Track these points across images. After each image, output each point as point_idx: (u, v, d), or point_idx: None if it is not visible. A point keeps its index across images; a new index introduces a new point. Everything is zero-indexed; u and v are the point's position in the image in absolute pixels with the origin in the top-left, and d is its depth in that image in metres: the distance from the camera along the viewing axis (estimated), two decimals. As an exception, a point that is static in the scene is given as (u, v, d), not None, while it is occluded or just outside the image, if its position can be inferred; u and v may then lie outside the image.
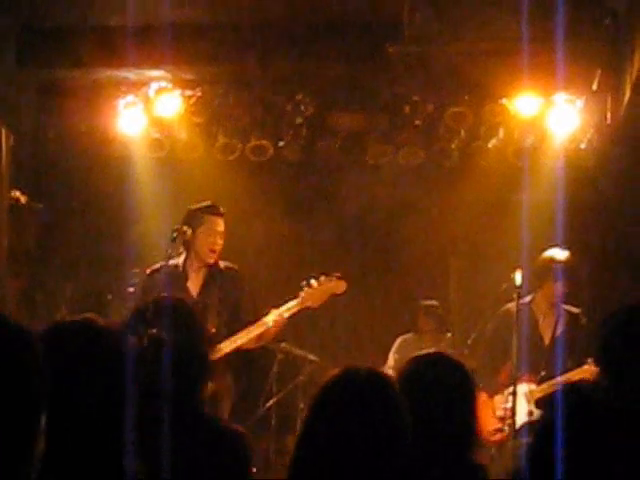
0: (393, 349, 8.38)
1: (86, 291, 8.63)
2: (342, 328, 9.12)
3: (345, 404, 2.69)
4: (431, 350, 3.59)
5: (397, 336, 8.42)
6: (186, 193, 8.01)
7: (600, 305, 7.59)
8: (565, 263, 6.83)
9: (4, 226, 7.96)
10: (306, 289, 6.38)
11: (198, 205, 6.46)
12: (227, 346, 6.12)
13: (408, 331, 8.41)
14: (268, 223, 9.06)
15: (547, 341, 6.94)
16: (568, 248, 6.83)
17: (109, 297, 8.14)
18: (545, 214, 7.42)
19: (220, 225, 6.40)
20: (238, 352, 6.28)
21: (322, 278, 6.44)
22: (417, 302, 8.44)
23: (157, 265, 6.41)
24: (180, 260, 6.39)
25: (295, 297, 6.39)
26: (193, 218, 6.37)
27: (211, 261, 6.36)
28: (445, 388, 3.27)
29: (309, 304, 6.39)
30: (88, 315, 2.67)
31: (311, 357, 7.95)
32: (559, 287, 6.84)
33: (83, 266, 9.01)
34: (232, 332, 6.22)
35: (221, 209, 6.46)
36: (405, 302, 8.81)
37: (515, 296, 6.55)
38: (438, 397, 3.25)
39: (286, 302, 6.39)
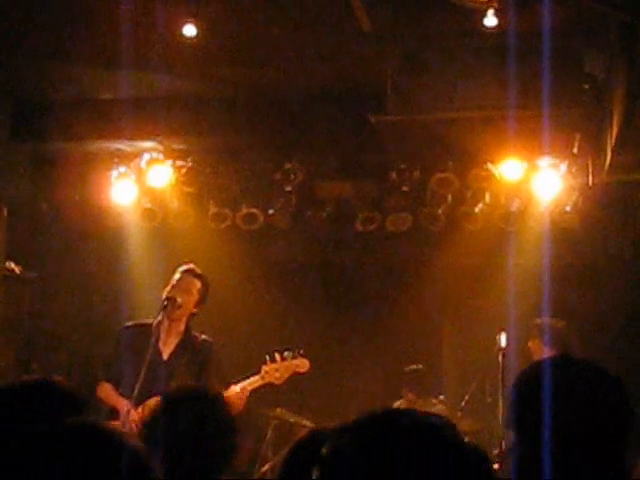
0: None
1: (81, 358, 8.68)
2: (337, 394, 9.13)
3: (311, 464, 2.75)
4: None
5: (393, 401, 8.46)
6: (178, 262, 8.07)
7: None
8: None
9: (-2, 296, 8.05)
10: (269, 364, 6.35)
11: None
12: None
13: (402, 397, 8.45)
14: (259, 290, 9.14)
15: None
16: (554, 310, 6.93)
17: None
18: (532, 276, 7.51)
19: (188, 282, 6.39)
20: None
21: (286, 354, 6.42)
22: (402, 368, 8.48)
23: (131, 323, 6.47)
24: (155, 321, 6.34)
25: (257, 372, 6.34)
26: (171, 281, 6.44)
27: (174, 314, 6.34)
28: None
29: (271, 380, 6.35)
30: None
31: (306, 423, 7.96)
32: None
33: (77, 334, 9.06)
34: None
35: (195, 270, 6.47)
36: (398, 367, 8.84)
37: (500, 357, 6.61)
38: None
39: (247, 377, 6.33)
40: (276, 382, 6.39)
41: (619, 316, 8.55)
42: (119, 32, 6.56)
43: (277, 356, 6.41)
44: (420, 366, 8.43)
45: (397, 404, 8.47)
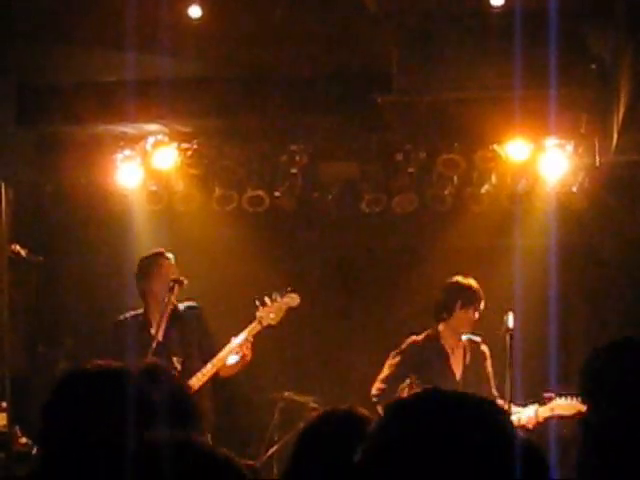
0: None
1: (87, 341, 8.69)
2: (343, 376, 9.13)
3: (324, 445, 2.73)
4: None
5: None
6: (184, 244, 8.09)
7: (593, 346, 7.64)
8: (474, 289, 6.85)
9: (4, 279, 8.06)
10: (261, 308, 6.55)
11: (147, 254, 6.71)
12: (196, 382, 6.22)
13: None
14: (264, 272, 9.13)
15: (458, 376, 6.98)
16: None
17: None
18: (538, 257, 7.50)
19: (171, 268, 6.52)
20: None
21: (274, 295, 6.61)
22: None
23: (122, 317, 6.58)
24: (141, 310, 6.56)
25: (253, 320, 6.52)
26: (146, 267, 6.56)
27: (171, 299, 6.43)
28: None
29: (268, 322, 6.53)
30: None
31: (312, 404, 7.99)
32: (470, 314, 6.87)
33: (82, 318, 9.07)
34: (197, 369, 6.34)
35: (169, 255, 6.61)
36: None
37: (507, 338, 6.60)
38: None
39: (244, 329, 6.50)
40: (273, 323, 6.56)
41: (625, 296, 8.55)
42: (123, 14, 6.54)
43: (267, 299, 6.57)
44: None
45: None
